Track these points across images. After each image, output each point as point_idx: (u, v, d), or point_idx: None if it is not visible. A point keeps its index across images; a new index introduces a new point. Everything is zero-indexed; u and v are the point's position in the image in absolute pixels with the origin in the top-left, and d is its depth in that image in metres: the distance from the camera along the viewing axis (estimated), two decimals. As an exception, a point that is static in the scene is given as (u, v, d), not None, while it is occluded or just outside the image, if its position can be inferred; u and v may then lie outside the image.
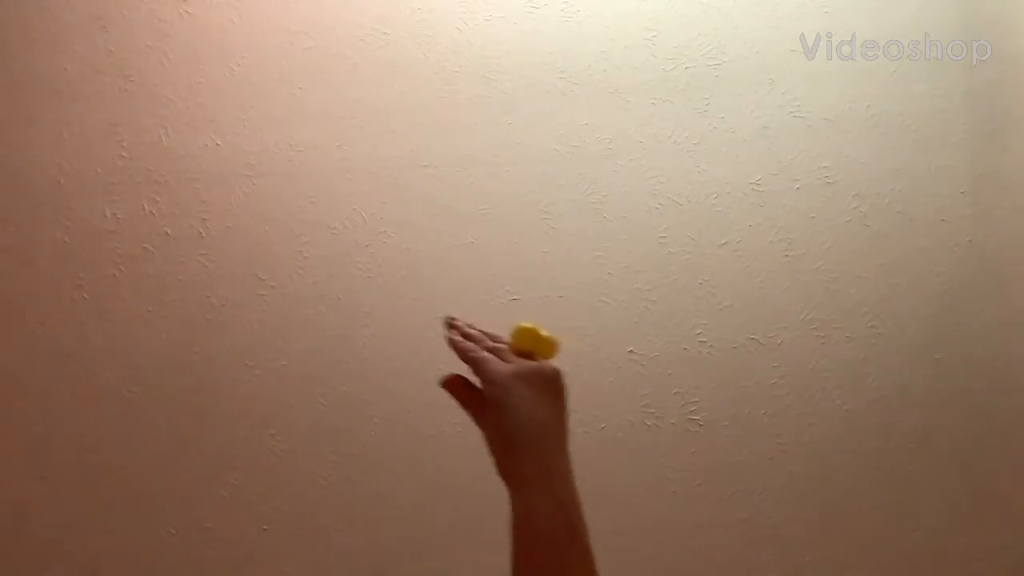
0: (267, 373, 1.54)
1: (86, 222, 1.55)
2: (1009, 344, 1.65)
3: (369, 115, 1.59)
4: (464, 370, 0.80)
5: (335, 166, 1.58)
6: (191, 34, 1.58)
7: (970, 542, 1.61)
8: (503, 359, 0.79)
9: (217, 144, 1.57)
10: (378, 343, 1.56)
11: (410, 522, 1.54)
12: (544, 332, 0.81)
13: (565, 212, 1.60)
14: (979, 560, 1.62)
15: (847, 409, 1.62)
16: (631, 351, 1.59)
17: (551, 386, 0.76)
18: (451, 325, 0.85)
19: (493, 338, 0.83)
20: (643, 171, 1.62)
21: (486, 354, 0.79)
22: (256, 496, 1.53)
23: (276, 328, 1.55)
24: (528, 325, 0.82)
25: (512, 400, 0.75)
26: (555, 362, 0.79)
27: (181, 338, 1.54)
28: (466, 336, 0.83)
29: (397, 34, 1.60)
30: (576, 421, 1.56)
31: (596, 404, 1.58)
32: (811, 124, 1.65)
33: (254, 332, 1.55)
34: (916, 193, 1.65)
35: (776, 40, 1.65)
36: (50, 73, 1.56)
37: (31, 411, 1.52)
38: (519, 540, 0.70)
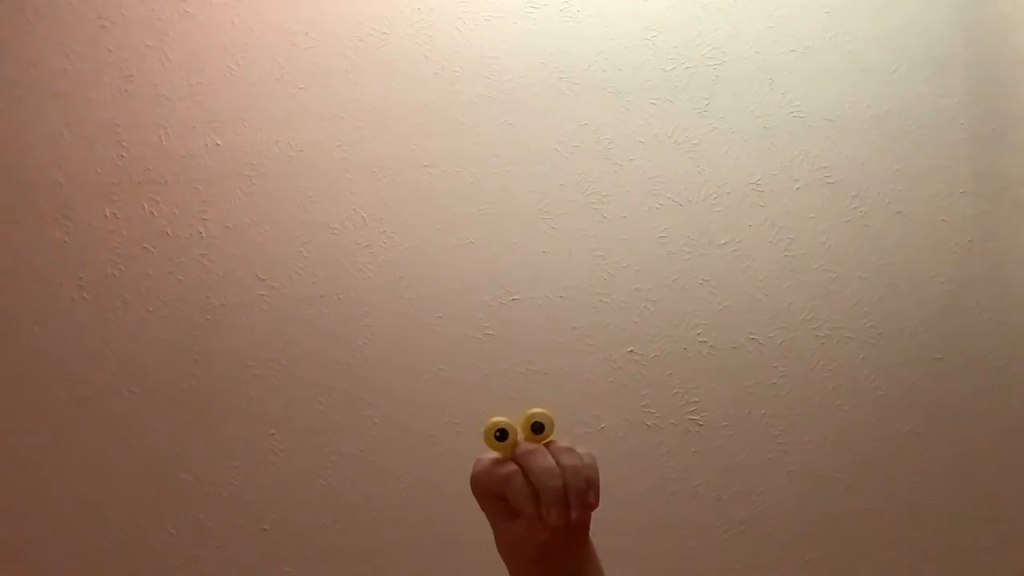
0: (267, 373, 1.54)
1: (86, 222, 1.55)
2: (1009, 344, 1.65)
3: (369, 115, 1.59)
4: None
5: (335, 166, 1.58)
6: (191, 34, 1.58)
7: (970, 542, 1.61)
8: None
9: (217, 144, 1.57)
10: (378, 343, 1.56)
11: (410, 522, 1.54)
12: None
13: (565, 212, 1.60)
14: (979, 560, 1.62)
15: (847, 409, 1.62)
16: (631, 351, 1.59)
17: None
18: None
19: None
20: (643, 171, 1.62)
21: None
22: (256, 496, 1.53)
23: (276, 328, 1.55)
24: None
25: None
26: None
27: (181, 338, 1.54)
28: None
29: (397, 34, 1.60)
30: (576, 421, 1.57)
31: (596, 404, 1.58)
32: (811, 124, 1.65)
33: (254, 332, 1.55)
34: (916, 193, 1.65)
35: (776, 40, 1.65)
36: (50, 73, 1.56)
37: (31, 411, 1.52)
38: None
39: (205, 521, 1.52)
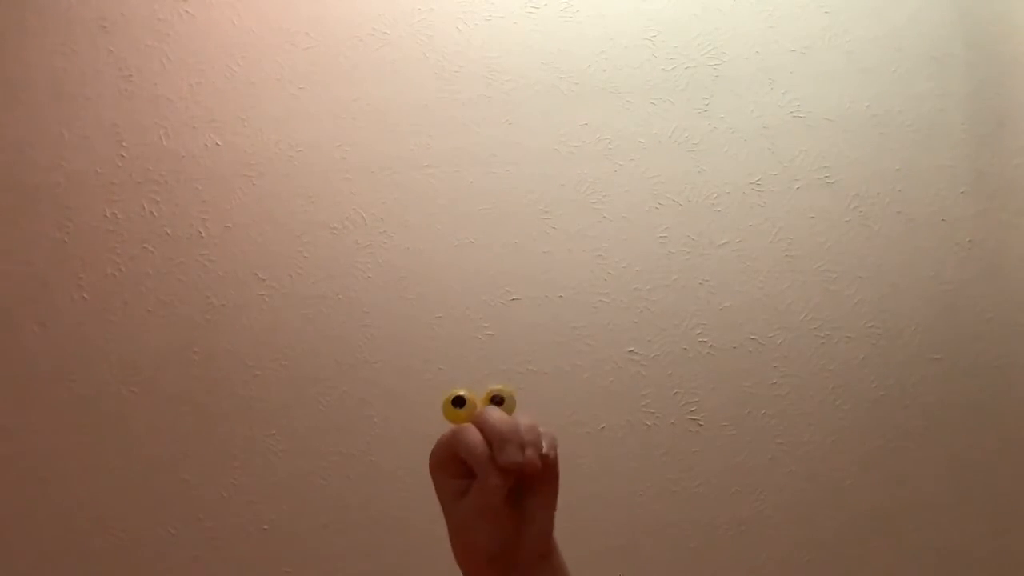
0: (267, 373, 1.54)
1: (86, 222, 1.55)
2: (1009, 344, 1.65)
3: (369, 115, 1.59)
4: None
5: (335, 166, 1.58)
6: (191, 34, 1.58)
7: (970, 542, 1.61)
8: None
9: (217, 144, 1.57)
10: (378, 343, 1.56)
11: (410, 523, 1.54)
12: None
13: (565, 212, 1.60)
14: (979, 560, 1.62)
15: (847, 409, 1.62)
16: (631, 351, 1.59)
17: None
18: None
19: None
20: (643, 171, 1.62)
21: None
22: (256, 496, 1.53)
23: (276, 328, 1.55)
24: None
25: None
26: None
27: (181, 338, 1.54)
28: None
29: (397, 34, 1.60)
30: (576, 421, 1.57)
31: (596, 404, 1.58)
32: (811, 124, 1.65)
33: (254, 332, 1.55)
34: (916, 193, 1.65)
35: (776, 40, 1.65)
36: (50, 73, 1.56)
37: (31, 411, 1.52)
38: None
39: (205, 521, 1.52)
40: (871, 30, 1.67)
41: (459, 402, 0.66)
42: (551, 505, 0.67)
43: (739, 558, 1.58)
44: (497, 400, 0.66)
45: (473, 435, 0.64)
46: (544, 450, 0.64)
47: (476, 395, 0.67)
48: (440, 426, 0.69)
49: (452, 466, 0.66)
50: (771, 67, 1.65)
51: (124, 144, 1.56)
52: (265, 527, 1.53)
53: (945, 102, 1.67)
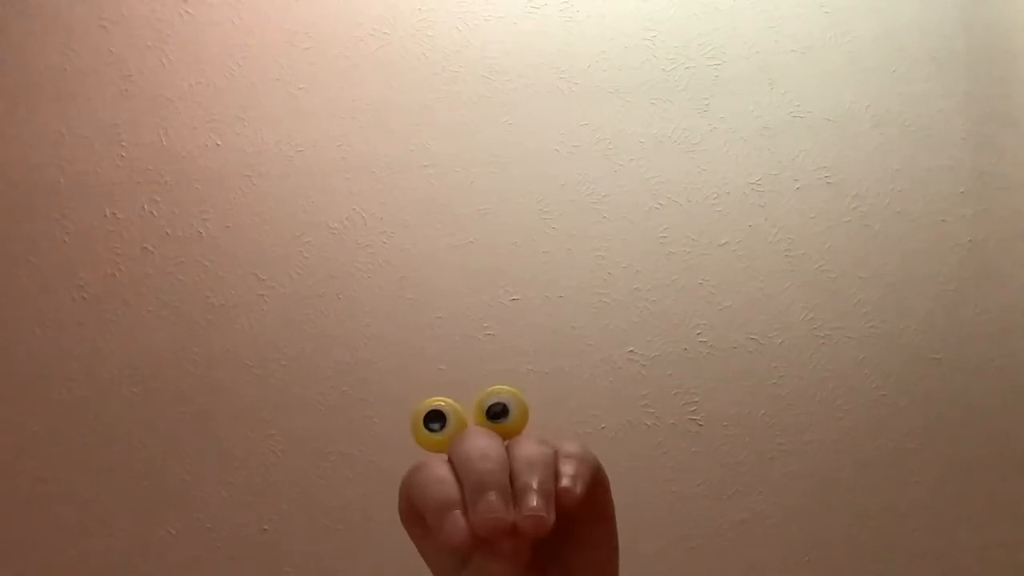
0: (267, 373, 1.54)
1: (86, 222, 1.55)
2: (1009, 344, 1.65)
3: (369, 115, 1.59)
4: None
5: (335, 166, 1.58)
6: (191, 34, 1.58)
7: (970, 542, 1.61)
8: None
9: (217, 144, 1.57)
10: (378, 343, 1.56)
11: (410, 522, 1.54)
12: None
13: (565, 212, 1.60)
14: (979, 560, 1.61)
15: (847, 409, 1.62)
16: (631, 351, 1.59)
17: None
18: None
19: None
20: (643, 171, 1.62)
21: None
22: (256, 496, 1.53)
23: (276, 328, 1.55)
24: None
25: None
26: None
27: (181, 338, 1.54)
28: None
29: (397, 34, 1.60)
30: (576, 421, 1.57)
31: (596, 404, 1.58)
32: (811, 124, 1.65)
33: (254, 332, 1.55)
34: (916, 193, 1.65)
35: (776, 40, 1.65)
36: (50, 73, 1.56)
37: (31, 411, 1.52)
38: None
39: (205, 521, 1.52)
40: (871, 30, 1.67)
41: (436, 418, 0.43)
42: (607, 557, 0.44)
43: (739, 558, 1.58)
44: (496, 411, 0.43)
45: (434, 474, 0.40)
46: (565, 484, 0.41)
47: (465, 407, 0.44)
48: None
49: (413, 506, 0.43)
50: (771, 67, 1.65)
51: (124, 144, 1.56)
52: (265, 527, 1.53)
53: (945, 102, 1.67)
